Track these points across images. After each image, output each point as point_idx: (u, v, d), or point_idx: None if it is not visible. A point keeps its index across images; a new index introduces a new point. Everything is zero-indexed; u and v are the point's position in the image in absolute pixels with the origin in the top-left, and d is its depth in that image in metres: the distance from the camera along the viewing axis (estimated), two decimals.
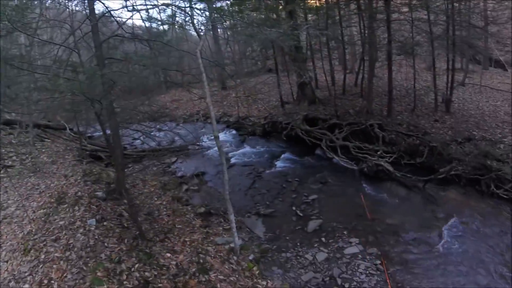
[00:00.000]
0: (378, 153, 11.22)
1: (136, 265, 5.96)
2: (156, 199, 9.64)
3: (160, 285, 5.73)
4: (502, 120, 12.70)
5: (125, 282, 5.37)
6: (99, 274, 5.26)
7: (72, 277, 5.14)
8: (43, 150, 11.76)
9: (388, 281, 6.73)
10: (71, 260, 5.58)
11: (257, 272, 7.19)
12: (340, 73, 18.01)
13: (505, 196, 9.14)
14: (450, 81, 13.57)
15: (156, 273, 6.00)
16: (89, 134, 14.61)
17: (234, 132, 16.48)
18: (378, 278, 7.04)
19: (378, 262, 7.50)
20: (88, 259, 5.65)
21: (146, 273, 5.89)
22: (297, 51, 14.91)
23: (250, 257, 7.68)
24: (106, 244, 6.29)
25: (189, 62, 15.50)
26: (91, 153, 11.95)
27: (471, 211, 8.95)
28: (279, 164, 12.68)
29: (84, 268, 5.36)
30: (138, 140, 13.62)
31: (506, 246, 7.61)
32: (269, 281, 7.01)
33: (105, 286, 4.98)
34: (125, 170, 9.46)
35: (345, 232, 8.49)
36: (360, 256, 7.68)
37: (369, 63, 13.84)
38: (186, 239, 7.79)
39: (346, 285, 6.99)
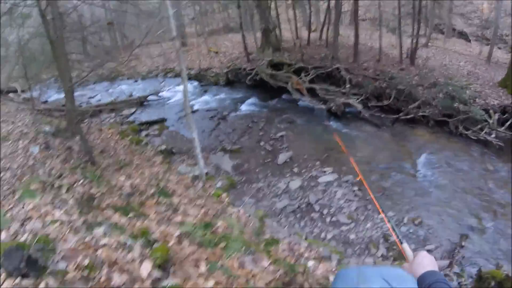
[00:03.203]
0: (345, 95, 10.68)
1: (81, 181, 4.71)
2: (113, 144, 8.35)
3: (108, 201, 4.49)
4: (467, 74, 12.76)
5: (63, 196, 4.12)
6: (32, 187, 4.11)
7: (1, 193, 4.12)
8: None
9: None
10: (4, 180, 4.59)
11: (226, 199, 6.16)
12: (304, 32, 17.21)
13: (473, 138, 8.90)
14: (415, 42, 13.26)
15: (104, 191, 4.76)
16: (43, 100, 12.90)
17: (195, 83, 15.00)
18: (358, 203, 6.38)
19: (356, 188, 6.85)
20: (22, 175, 4.62)
21: (92, 190, 4.65)
22: None
23: (218, 185, 6.64)
24: (47, 164, 5.08)
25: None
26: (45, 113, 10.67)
27: (442, 147, 8.68)
28: (243, 108, 11.64)
29: (17, 184, 4.37)
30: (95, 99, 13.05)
31: (481, 176, 7.38)
32: (241, 209, 5.99)
33: (37, 199, 3.70)
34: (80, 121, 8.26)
35: (317, 163, 7.76)
36: (335, 183, 6.98)
37: (334, 19, 13.25)
38: (145, 171, 6.58)
39: (325, 211, 6.23)
